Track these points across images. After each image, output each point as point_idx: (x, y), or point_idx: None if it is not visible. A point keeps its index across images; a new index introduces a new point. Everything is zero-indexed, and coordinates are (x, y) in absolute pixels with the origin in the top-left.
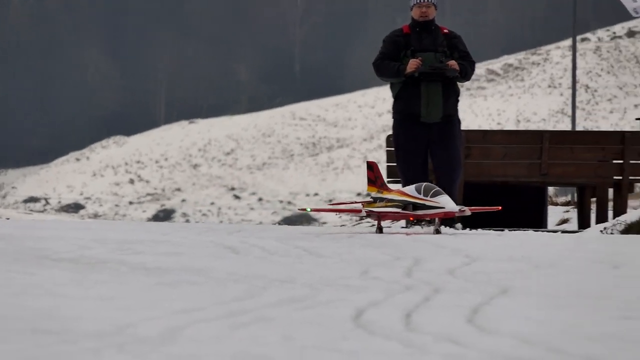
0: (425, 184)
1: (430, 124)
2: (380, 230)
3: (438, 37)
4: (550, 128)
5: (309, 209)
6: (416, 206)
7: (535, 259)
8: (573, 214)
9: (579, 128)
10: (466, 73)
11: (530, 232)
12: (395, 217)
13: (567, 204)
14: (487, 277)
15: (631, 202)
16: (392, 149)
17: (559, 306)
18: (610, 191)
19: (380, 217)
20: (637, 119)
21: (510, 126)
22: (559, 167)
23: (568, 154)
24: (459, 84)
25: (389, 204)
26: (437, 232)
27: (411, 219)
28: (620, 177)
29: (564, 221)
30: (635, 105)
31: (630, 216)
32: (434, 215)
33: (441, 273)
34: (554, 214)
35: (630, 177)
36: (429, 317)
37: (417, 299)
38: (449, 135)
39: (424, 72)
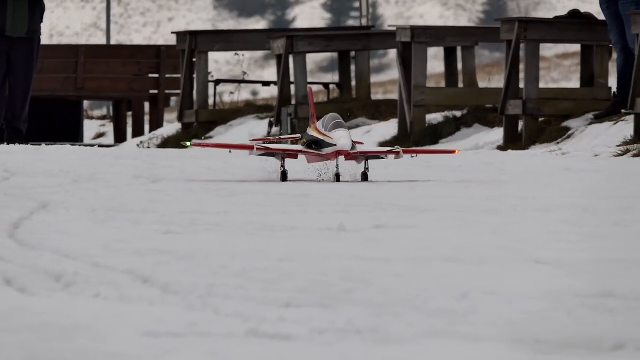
0: (331, 114)
1: (14, 39)
2: (283, 176)
3: None
4: (84, 42)
5: (189, 144)
6: (320, 143)
7: (74, 173)
8: (109, 127)
9: (112, 42)
10: None
11: (67, 146)
12: (290, 156)
13: (103, 117)
14: (26, 191)
15: (167, 116)
16: None
17: (100, 221)
18: (147, 105)
19: (282, 156)
20: (173, 32)
21: (44, 41)
22: (94, 82)
23: (104, 68)
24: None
25: (302, 141)
26: (337, 177)
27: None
28: (157, 91)
29: (101, 135)
30: (169, 19)
31: (166, 130)
32: (326, 156)
33: None
34: (90, 128)
35: (166, 91)
36: None
37: None
38: (30, 52)
39: None
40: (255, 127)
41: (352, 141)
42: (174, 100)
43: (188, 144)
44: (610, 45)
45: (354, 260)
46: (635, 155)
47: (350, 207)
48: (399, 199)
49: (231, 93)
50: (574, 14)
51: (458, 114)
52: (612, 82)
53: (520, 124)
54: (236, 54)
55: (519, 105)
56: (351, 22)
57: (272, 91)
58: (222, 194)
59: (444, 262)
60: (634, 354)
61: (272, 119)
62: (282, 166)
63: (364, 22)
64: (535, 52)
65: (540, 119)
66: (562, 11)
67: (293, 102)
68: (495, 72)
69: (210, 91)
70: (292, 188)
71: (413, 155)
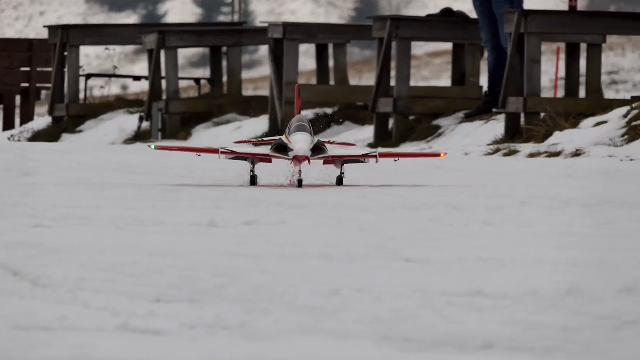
0: (297, 116)
1: None
2: (252, 180)
3: None
4: None
5: (153, 147)
6: (286, 147)
7: None
8: None
9: None
10: None
11: None
12: (263, 160)
13: None
14: None
15: (38, 109)
16: None
17: None
18: (18, 98)
19: (252, 160)
20: (45, 26)
21: None
22: None
23: None
24: None
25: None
26: (299, 184)
27: (269, 161)
28: (28, 85)
29: None
30: (41, 13)
31: (37, 124)
32: (288, 159)
33: None
34: None
35: (38, 85)
36: None
37: None
38: None
39: None
40: (125, 122)
41: (323, 143)
42: (44, 93)
43: (152, 146)
44: (482, 44)
45: (224, 256)
46: (505, 155)
47: (221, 202)
48: (270, 195)
49: (102, 87)
50: (447, 12)
51: (329, 111)
52: (484, 81)
53: (391, 122)
54: (107, 49)
55: (389, 103)
56: (223, 18)
57: (143, 86)
58: (93, 188)
59: (314, 258)
60: (502, 354)
61: (142, 114)
62: (252, 170)
63: (236, 18)
64: (407, 50)
65: (411, 117)
66: (434, 9)
67: (164, 97)
68: (366, 69)
69: (82, 85)
70: (164, 183)
71: (396, 159)
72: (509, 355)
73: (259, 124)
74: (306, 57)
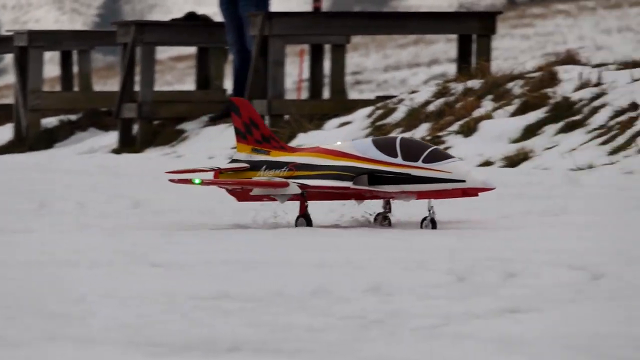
0: (403, 137)
1: None
2: (306, 220)
3: None
4: None
5: (198, 181)
6: (377, 177)
7: None
8: None
9: None
10: None
11: None
12: (361, 197)
13: None
14: None
15: None
16: None
17: None
18: None
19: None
20: None
21: None
22: None
23: None
24: None
25: (308, 172)
26: (433, 224)
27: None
28: None
29: None
30: None
31: None
32: (441, 194)
33: None
34: None
35: None
36: None
37: None
38: None
39: None
40: None
41: None
42: None
43: (197, 181)
44: (227, 47)
45: None
46: None
47: None
48: (17, 201)
49: None
50: (190, 16)
51: (73, 117)
52: (228, 84)
53: (135, 127)
54: None
55: (133, 109)
56: None
57: None
58: None
59: (60, 265)
60: (250, 356)
61: None
62: (306, 205)
63: None
64: (151, 55)
65: (155, 122)
66: (178, 13)
67: None
68: (110, 75)
69: None
70: None
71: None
72: (256, 357)
73: (4, 133)
74: (52, 64)
